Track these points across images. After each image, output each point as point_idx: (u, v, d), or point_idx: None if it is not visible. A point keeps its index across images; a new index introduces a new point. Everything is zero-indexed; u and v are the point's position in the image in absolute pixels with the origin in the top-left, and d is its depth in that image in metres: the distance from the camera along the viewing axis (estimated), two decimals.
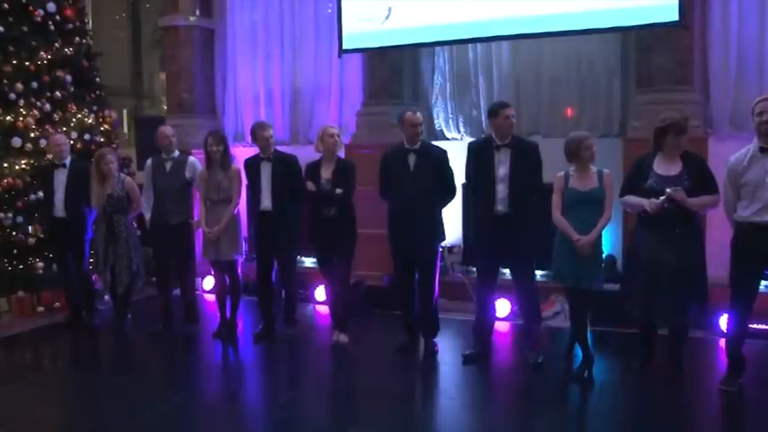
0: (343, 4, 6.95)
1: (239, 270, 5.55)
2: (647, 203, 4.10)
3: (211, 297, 6.32)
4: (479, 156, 4.75)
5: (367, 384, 4.64)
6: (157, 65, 10.08)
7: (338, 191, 4.95)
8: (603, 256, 4.60)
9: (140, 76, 10.34)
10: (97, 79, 7.45)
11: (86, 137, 6.97)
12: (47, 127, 6.68)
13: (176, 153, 5.67)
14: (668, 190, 4.00)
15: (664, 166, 4.19)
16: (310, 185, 5.03)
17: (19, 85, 6.60)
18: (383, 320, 5.88)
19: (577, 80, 6.78)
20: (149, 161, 5.73)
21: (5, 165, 6.49)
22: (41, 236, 6.45)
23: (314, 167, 5.14)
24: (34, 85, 6.71)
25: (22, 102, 6.62)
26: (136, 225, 5.94)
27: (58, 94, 6.87)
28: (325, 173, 5.06)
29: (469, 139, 6.68)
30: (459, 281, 6.44)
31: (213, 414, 4.15)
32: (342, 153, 5.64)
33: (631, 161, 4.62)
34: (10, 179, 6.42)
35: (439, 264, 4.99)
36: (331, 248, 5.13)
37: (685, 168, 4.14)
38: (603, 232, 4.38)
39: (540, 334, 4.95)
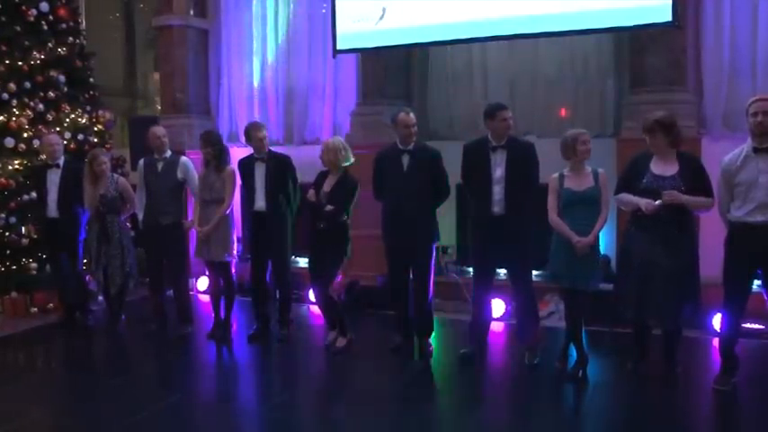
0: (338, 5, 6.94)
1: (233, 271, 5.55)
2: (644, 203, 4.09)
3: (206, 298, 6.31)
4: (475, 157, 4.75)
5: (361, 385, 4.64)
6: (151, 65, 10.04)
7: (328, 207, 4.90)
8: (599, 256, 4.60)
9: (134, 76, 10.28)
10: (91, 79, 7.41)
11: (80, 137, 6.94)
12: (40, 127, 6.65)
13: (168, 153, 5.66)
14: (665, 194, 4.01)
15: (660, 166, 4.19)
16: (311, 195, 5.01)
17: (12, 85, 6.55)
18: (377, 321, 5.88)
19: (572, 80, 6.79)
20: (141, 161, 5.75)
21: None
22: (35, 236, 6.42)
23: (321, 178, 5.11)
24: (27, 85, 6.67)
25: (15, 102, 6.57)
26: (129, 226, 5.93)
27: (51, 94, 6.83)
28: (327, 186, 5.02)
29: (463, 140, 6.69)
30: (453, 281, 6.44)
31: (208, 414, 4.16)
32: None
33: (625, 161, 4.62)
34: (3, 179, 6.38)
35: (433, 264, 4.98)
36: (319, 259, 5.10)
37: (681, 170, 4.13)
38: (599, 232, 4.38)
39: (537, 335, 4.95)
